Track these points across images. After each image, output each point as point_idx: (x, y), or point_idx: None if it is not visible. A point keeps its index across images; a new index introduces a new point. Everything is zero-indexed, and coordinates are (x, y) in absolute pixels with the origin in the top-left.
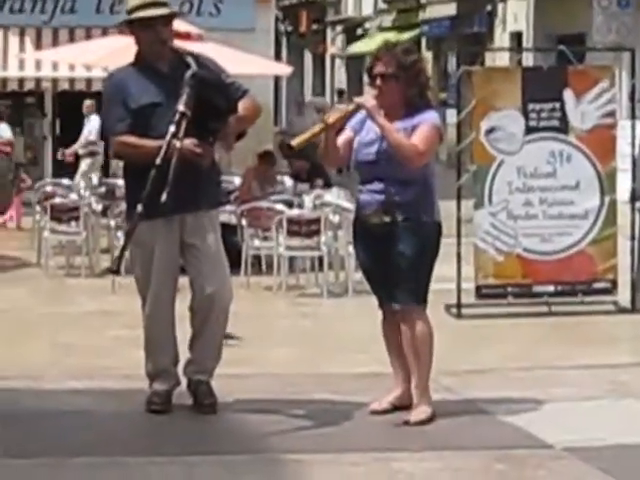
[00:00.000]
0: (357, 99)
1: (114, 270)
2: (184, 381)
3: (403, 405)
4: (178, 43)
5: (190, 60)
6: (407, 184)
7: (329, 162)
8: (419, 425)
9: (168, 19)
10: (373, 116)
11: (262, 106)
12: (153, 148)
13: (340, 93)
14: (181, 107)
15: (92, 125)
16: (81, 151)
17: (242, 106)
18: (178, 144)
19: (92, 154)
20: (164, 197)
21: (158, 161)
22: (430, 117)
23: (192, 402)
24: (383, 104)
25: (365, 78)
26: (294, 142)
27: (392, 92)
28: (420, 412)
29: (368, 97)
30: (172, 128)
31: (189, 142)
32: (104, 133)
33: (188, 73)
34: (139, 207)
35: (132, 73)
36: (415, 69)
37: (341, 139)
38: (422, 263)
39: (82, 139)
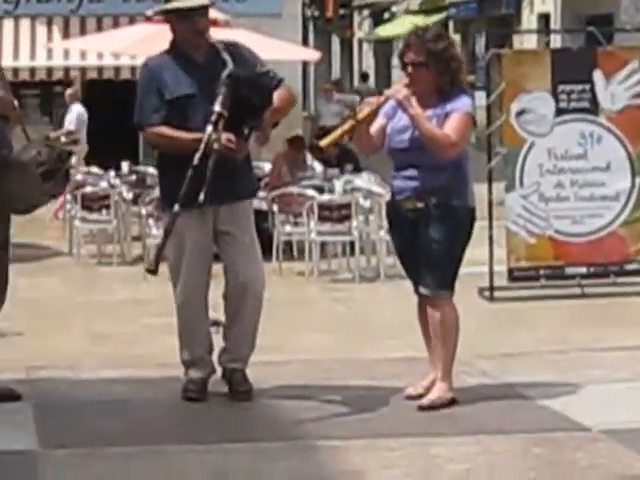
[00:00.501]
0: (387, 91)
1: (151, 270)
2: (219, 370)
3: None
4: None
5: (226, 56)
6: (440, 170)
7: (363, 150)
8: (430, 410)
9: (205, 9)
10: (404, 107)
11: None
12: (188, 141)
13: (364, 77)
14: (218, 107)
15: (73, 115)
16: (63, 139)
17: (277, 96)
18: (216, 145)
19: (74, 143)
20: (202, 197)
21: (196, 162)
22: (462, 104)
23: (227, 390)
24: (415, 92)
25: (393, 62)
26: (323, 142)
27: (423, 80)
28: (433, 398)
29: (398, 87)
30: (209, 129)
31: (225, 137)
32: (138, 122)
33: (225, 72)
34: (176, 207)
35: (167, 62)
36: (446, 55)
37: (374, 126)
38: (452, 248)
39: (64, 129)
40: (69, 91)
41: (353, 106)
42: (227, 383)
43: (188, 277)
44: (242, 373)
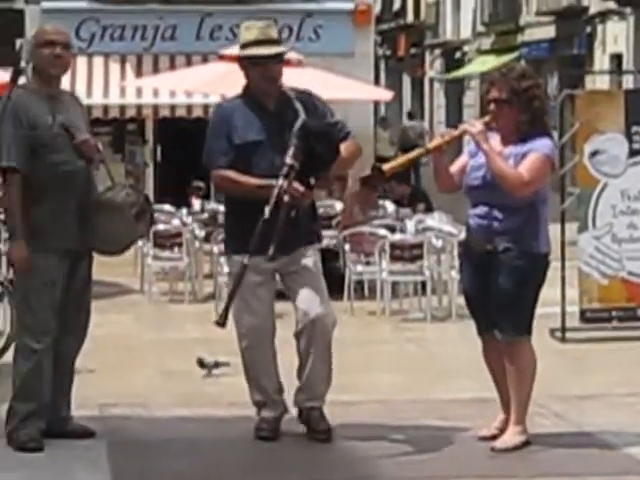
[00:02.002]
0: (463, 125)
1: (220, 323)
2: (293, 410)
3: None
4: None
5: (298, 105)
6: (512, 211)
7: (441, 187)
8: (504, 452)
9: (278, 57)
10: (478, 142)
11: (361, 143)
12: (253, 186)
13: (410, 115)
14: (289, 160)
15: None
16: None
17: (344, 148)
18: (286, 198)
19: None
20: (271, 251)
21: (266, 216)
22: (542, 145)
23: (305, 430)
24: (498, 129)
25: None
26: (386, 167)
27: (505, 118)
28: (507, 440)
29: (475, 122)
30: (280, 181)
31: (294, 187)
32: (205, 163)
33: (297, 124)
34: (245, 260)
35: (239, 106)
36: (528, 95)
37: (456, 165)
38: (524, 295)
39: None
40: None
41: (423, 134)
42: (304, 424)
43: (251, 320)
44: (320, 412)
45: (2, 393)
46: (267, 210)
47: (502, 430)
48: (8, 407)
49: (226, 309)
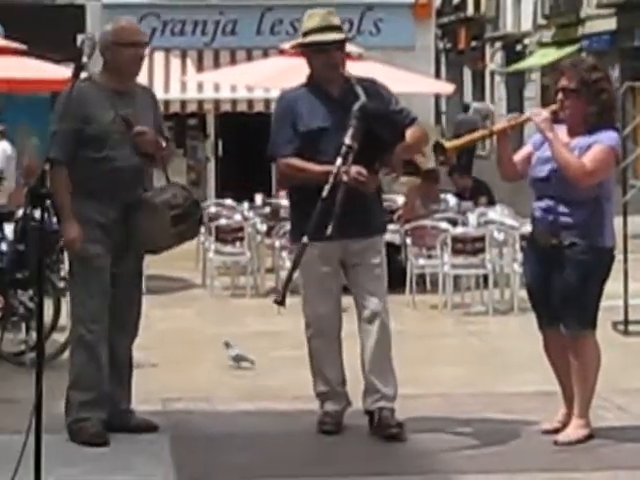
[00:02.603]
0: (529, 111)
1: (279, 302)
2: (359, 408)
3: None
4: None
5: (359, 90)
6: (577, 205)
7: (504, 175)
8: (567, 445)
9: (341, 44)
10: (543, 130)
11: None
12: (318, 173)
13: (465, 108)
14: (348, 140)
15: None
16: None
17: (409, 134)
18: (345, 178)
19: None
20: (329, 230)
21: (324, 194)
22: (607, 137)
23: (375, 427)
24: (565, 118)
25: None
26: (448, 144)
27: (573, 107)
28: (570, 433)
29: (541, 110)
30: (339, 161)
31: (354, 170)
32: (270, 153)
33: (356, 105)
34: (305, 238)
35: (303, 95)
36: (597, 86)
37: (519, 154)
38: (589, 289)
39: None
40: None
41: (489, 115)
42: (375, 423)
43: (318, 310)
44: (390, 411)
45: (64, 388)
46: (325, 190)
47: (564, 424)
48: (65, 398)
49: (285, 288)
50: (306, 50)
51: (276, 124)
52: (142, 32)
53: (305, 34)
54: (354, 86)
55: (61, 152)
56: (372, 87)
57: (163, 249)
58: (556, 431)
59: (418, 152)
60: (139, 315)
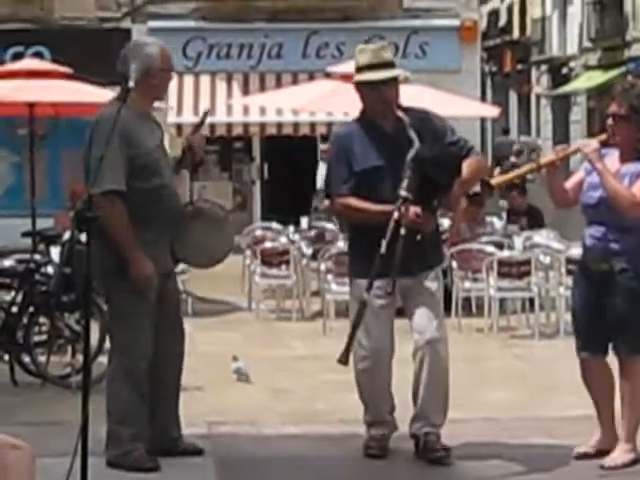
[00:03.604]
0: (577, 142)
1: (343, 361)
2: (405, 432)
3: (606, 449)
4: None
5: (412, 134)
6: (628, 232)
7: (557, 203)
8: (612, 470)
9: (394, 81)
10: (591, 161)
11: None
12: (375, 213)
13: (505, 131)
14: (403, 192)
15: None
16: None
17: (466, 166)
18: (402, 231)
19: None
20: (389, 289)
21: (383, 250)
22: None
23: (421, 451)
24: (616, 145)
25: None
26: (494, 181)
27: (623, 134)
28: (617, 457)
29: (590, 141)
30: (395, 214)
31: (412, 212)
32: (328, 191)
33: (410, 154)
34: (365, 295)
35: (356, 132)
36: None
37: (571, 180)
38: (639, 316)
39: None
40: None
41: (536, 149)
42: (421, 448)
43: (371, 343)
44: (437, 436)
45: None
46: (384, 244)
47: (599, 450)
48: (108, 431)
49: (347, 347)
50: (359, 87)
51: (332, 163)
52: None
53: (358, 70)
54: (407, 127)
55: (117, 182)
56: (425, 123)
57: (219, 262)
58: (587, 456)
59: (475, 183)
60: (184, 338)
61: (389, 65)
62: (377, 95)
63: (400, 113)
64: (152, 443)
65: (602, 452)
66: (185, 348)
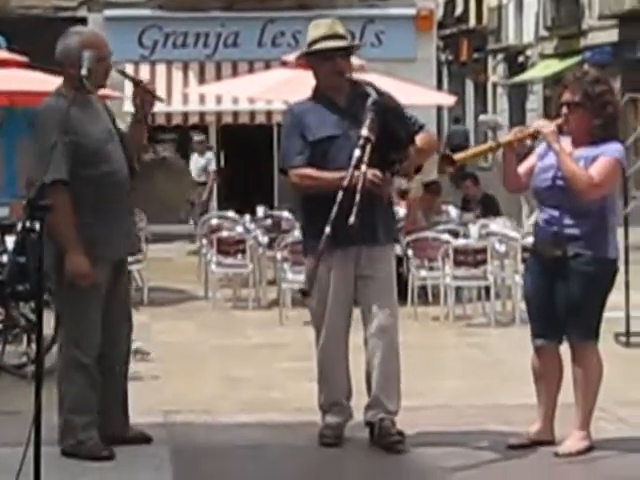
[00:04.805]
0: (536, 123)
1: (305, 292)
2: (360, 421)
3: (542, 440)
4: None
5: (370, 89)
6: (582, 216)
7: (509, 186)
8: (567, 457)
9: (346, 51)
10: (550, 142)
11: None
12: (333, 179)
13: (456, 120)
14: (365, 132)
15: None
16: None
17: (420, 139)
18: (364, 168)
19: None
20: (352, 220)
21: (345, 183)
22: (613, 149)
23: (376, 439)
24: (569, 131)
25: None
26: (457, 156)
27: (577, 121)
28: (571, 445)
29: (547, 122)
30: (357, 152)
31: (370, 173)
32: (282, 165)
33: (370, 100)
34: (327, 229)
35: (311, 106)
36: (602, 100)
37: (524, 165)
38: (592, 301)
39: None
40: None
41: (496, 128)
42: (376, 435)
43: (331, 322)
44: (391, 422)
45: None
46: (346, 180)
47: (534, 441)
48: (62, 421)
49: (311, 278)
50: (312, 59)
51: (285, 137)
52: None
53: (310, 43)
54: (362, 87)
55: (62, 171)
56: (380, 89)
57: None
58: (522, 447)
59: (429, 158)
60: (131, 329)
61: (342, 37)
62: (331, 66)
63: (354, 78)
64: (101, 431)
65: (537, 443)
66: (133, 337)
